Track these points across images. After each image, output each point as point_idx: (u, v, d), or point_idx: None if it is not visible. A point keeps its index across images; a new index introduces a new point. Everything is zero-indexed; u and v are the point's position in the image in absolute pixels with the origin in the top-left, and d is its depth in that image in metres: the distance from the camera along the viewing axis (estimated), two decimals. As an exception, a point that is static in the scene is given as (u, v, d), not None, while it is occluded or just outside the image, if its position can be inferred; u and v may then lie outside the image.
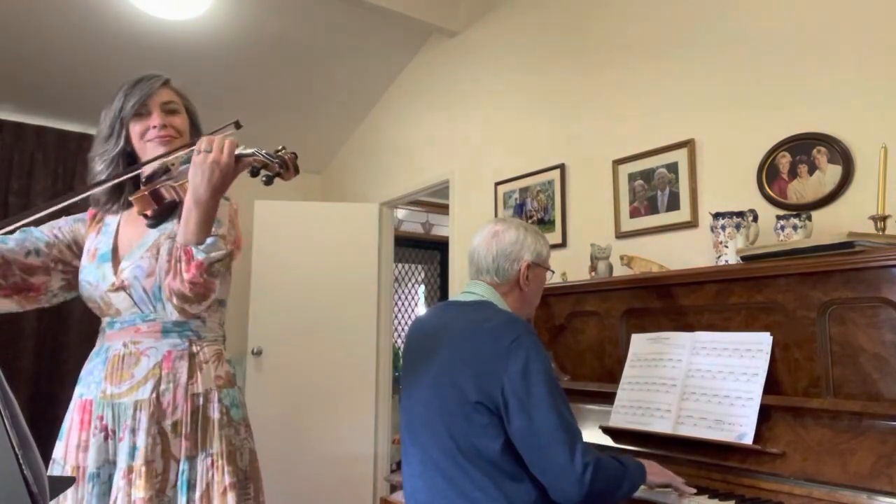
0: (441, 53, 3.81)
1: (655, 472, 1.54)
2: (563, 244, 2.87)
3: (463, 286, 1.69)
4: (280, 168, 1.18)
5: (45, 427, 3.53)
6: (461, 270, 3.42)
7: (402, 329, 6.00)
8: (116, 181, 1.33)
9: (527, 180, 3.09)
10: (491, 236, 1.63)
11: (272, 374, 3.97)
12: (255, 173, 1.19)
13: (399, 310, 6.21)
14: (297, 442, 3.89)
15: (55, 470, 1.31)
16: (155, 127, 1.37)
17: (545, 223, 2.97)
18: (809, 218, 1.84)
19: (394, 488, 3.67)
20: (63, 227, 1.44)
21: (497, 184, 3.25)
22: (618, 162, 2.62)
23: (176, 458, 1.27)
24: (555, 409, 1.37)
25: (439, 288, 6.51)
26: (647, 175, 2.50)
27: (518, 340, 1.41)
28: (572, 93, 2.91)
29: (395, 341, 4.76)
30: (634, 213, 2.54)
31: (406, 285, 6.42)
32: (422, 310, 6.43)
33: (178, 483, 1.26)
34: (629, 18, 2.68)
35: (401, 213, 5.84)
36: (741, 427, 1.57)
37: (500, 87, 3.34)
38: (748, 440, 1.54)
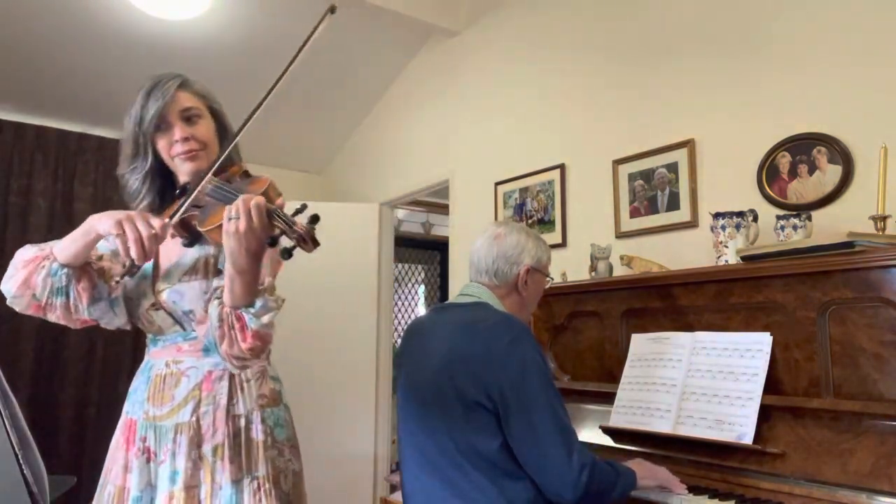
0: (441, 53, 3.81)
1: (647, 474, 1.53)
2: (563, 244, 2.86)
3: (460, 289, 1.69)
4: (299, 242, 1.06)
5: (46, 428, 3.55)
6: (461, 271, 3.42)
7: (403, 329, 5.98)
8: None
9: (527, 180, 3.09)
10: (492, 238, 1.64)
11: (272, 375, 3.96)
12: (273, 243, 1.07)
13: (399, 310, 6.20)
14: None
15: (103, 483, 1.30)
16: (177, 141, 1.30)
17: (545, 223, 2.97)
18: (809, 218, 1.84)
19: (394, 488, 3.67)
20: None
21: (497, 184, 3.25)
22: (618, 162, 2.62)
23: (220, 484, 1.22)
24: (552, 409, 1.37)
25: (439, 288, 6.51)
26: (647, 175, 2.50)
27: (515, 340, 1.42)
28: (572, 93, 2.91)
29: (395, 341, 4.76)
30: (634, 213, 2.54)
31: (406, 285, 6.42)
32: (422, 310, 6.43)
33: None
34: (629, 19, 2.68)
35: (401, 213, 5.84)
36: (741, 427, 1.57)
37: (500, 86, 3.34)
38: (748, 440, 1.54)
